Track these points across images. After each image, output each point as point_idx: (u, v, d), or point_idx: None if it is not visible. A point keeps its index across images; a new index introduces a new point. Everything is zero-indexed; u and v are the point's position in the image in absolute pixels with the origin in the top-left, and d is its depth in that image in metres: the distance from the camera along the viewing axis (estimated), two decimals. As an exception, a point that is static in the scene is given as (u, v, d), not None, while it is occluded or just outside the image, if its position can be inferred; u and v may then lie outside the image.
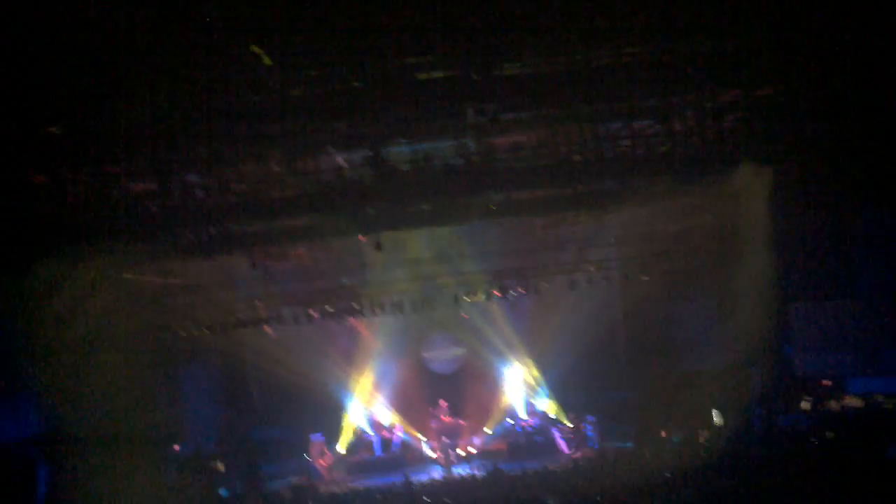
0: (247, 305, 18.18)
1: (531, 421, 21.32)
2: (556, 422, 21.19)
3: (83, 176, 10.75)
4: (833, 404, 17.79)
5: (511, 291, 18.81)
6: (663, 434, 18.60)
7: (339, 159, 11.94)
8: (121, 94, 9.85)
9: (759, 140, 11.56)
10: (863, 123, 11.18)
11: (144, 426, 18.06)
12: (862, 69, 10.59)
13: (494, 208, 12.65)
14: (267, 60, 9.03)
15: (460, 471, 18.82)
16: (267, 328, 18.79)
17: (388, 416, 21.82)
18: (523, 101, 10.90)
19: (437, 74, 10.19)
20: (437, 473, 18.66)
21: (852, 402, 17.64)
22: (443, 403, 21.81)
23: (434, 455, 20.58)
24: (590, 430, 20.13)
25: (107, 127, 10.05)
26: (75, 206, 10.85)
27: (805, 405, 18.09)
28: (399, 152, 11.85)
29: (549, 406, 21.54)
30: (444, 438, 20.69)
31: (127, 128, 10.03)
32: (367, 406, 21.85)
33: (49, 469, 16.24)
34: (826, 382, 18.25)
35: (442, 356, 22.73)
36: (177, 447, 18.69)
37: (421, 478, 17.53)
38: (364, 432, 21.56)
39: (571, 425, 20.76)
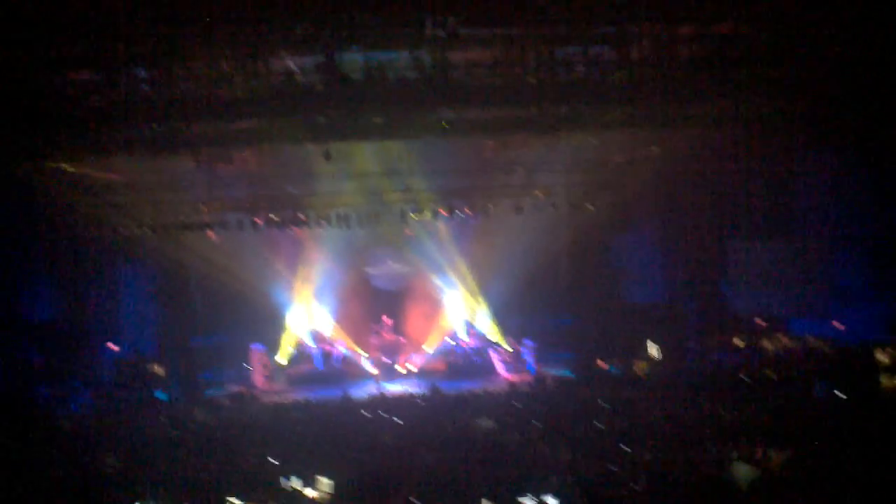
0: (191, 208, 17.89)
1: (470, 342, 21.68)
2: (494, 344, 21.58)
3: (21, 59, 10.32)
4: (766, 343, 18.36)
5: (457, 211, 18.87)
6: (600, 364, 19.04)
7: (292, 63, 11.68)
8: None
9: (711, 76, 11.60)
10: (812, 67, 11.31)
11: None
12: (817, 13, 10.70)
13: (446, 126, 12.51)
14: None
15: (399, 387, 19.07)
16: (210, 233, 18.57)
17: (329, 330, 21.97)
18: (483, 17, 10.74)
19: (399, -19, 9.99)
20: (375, 389, 18.81)
21: (784, 341, 18.23)
22: (385, 320, 22.02)
23: (374, 371, 20.87)
24: (527, 353, 20.54)
25: (48, 11, 9.65)
26: (14, 92, 10.46)
27: (738, 342, 18.64)
28: (353, 60, 11.61)
29: (488, 328, 21.89)
30: (384, 355, 20.92)
31: (70, 13, 9.67)
32: (310, 319, 21.96)
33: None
34: (760, 321, 18.78)
35: (386, 272, 22.80)
36: (114, 346, 18.62)
37: (360, 393, 17.68)
38: (305, 345, 21.71)
39: (510, 348, 21.16)
